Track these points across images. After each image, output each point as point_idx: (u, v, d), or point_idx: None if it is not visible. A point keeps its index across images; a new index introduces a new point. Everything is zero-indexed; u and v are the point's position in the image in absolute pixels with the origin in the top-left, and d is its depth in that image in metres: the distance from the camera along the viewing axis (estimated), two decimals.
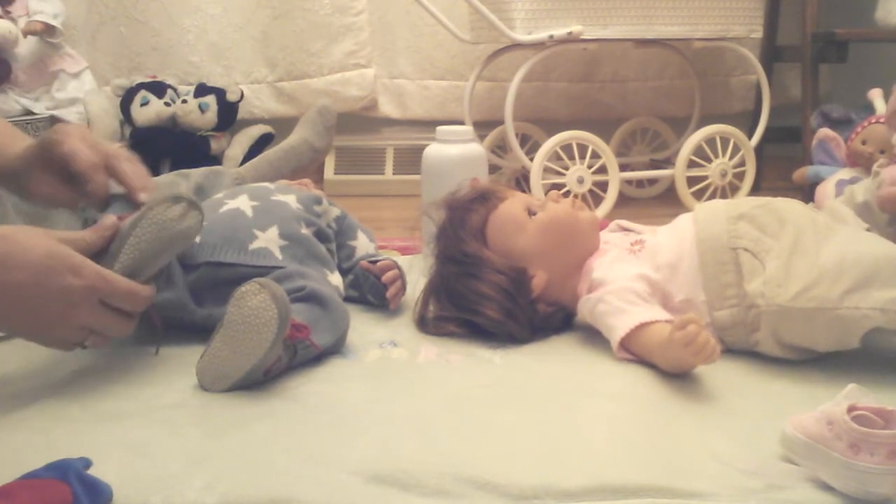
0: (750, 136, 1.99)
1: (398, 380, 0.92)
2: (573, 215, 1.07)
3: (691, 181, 1.91)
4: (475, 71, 2.04)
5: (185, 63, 2.25)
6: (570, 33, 1.81)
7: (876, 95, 1.71)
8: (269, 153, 1.63)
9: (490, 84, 2.24)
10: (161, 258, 0.90)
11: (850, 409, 0.68)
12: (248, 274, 0.93)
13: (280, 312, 0.83)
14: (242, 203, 1.09)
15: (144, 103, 2.09)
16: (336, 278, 1.11)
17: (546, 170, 1.80)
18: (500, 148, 2.18)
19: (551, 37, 1.81)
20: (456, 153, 1.42)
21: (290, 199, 1.13)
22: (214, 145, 2.12)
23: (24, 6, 2.06)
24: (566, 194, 1.44)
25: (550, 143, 1.82)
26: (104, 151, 0.97)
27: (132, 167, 0.98)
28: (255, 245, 1.03)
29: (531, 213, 1.08)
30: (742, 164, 1.95)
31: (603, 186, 1.85)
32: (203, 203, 1.15)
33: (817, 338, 0.93)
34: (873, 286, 0.89)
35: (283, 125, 2.06)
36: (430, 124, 1.76)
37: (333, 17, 2.22)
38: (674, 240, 1.04)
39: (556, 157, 1.84)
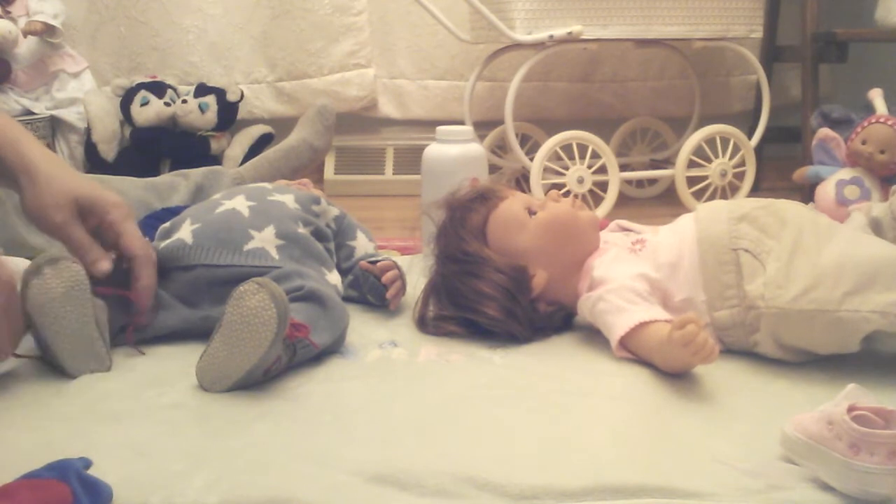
0: (750, 136, 1.99)
1: (398, 380, 0.92)
2: (573, 215, 1.07)
3: (691, 181, 1.91)
4: (475, 71, 2.04)
5: (185, 63, 2.25)
6: (570, 33, 1.80)
7: (876, 95, 1.70)
8: (269, 153, 1.64)
9: (490, 84, 2.24)
10: None
11: (850, 409, 0.68)
12: (244, 274, 0.93)
13: (279, 312, 0.82)
14: (239, 203, 1.09)
15: (144, 103, 2.08)
16: (334, 277, 1.11)
17: (546, 170, 1.80)
18: (500, 148, 2.17)
19: (551, 37, 1.80)
20: (456, 153, 1.42)
21: (288, 199, 1.13)
22: (214, 145, 2.12)
23: (24, 6, 2.06)
24: (566, 194, 1.44)
25: (550, 143, 1.81)
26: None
27: (150, 277, 0.98)
28: (250, 245, 1.03)
29: (531, 212, 1.08)
30: (742, 164, 1.95)
31: (603, 186, 1.85)
32: (200, 203, 1.16)
33: (816, 340, 0.93)
34: (873, 289, 0.89)
35: (283, 125, 2.06)
36: (430, 124, 1.76)
37: (333, 17, 2.22)
38: (675, 239, 1.04)
39: (556, 157, 1.84)
